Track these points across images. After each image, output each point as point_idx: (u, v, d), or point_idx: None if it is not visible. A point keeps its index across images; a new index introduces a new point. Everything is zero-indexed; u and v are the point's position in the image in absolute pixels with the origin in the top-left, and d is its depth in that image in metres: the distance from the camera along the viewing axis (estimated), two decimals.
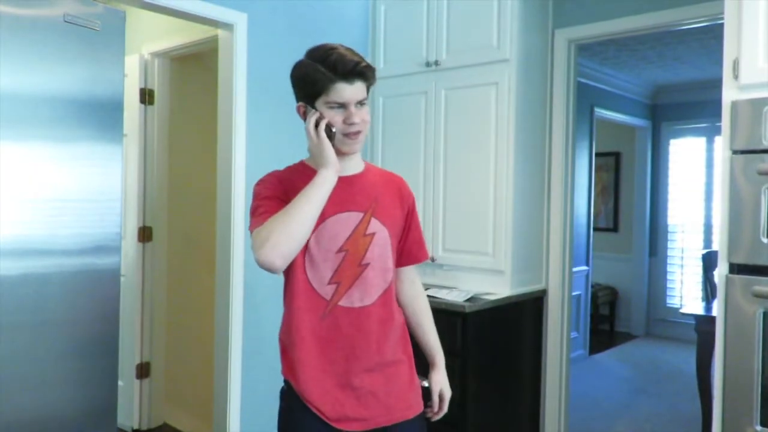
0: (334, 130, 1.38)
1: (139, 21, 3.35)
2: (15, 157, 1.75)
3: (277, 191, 1.42)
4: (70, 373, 1.88)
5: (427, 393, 1.59)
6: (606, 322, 6.32)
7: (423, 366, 1.61)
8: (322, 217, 1.37)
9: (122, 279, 2.70)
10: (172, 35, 3.24)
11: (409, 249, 1.58)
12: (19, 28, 1.73)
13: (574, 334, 5.08)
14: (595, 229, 5.73)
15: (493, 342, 2.81)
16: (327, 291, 1.42)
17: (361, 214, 1.45)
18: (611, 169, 6.40)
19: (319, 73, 1.36)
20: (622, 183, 6.36)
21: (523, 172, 2.86)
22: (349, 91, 1.37)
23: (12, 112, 1.73)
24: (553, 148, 3.05)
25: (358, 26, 3.26)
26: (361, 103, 1.41)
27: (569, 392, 3.12)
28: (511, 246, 2.79)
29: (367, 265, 1.44)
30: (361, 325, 1.44)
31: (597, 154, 5.63)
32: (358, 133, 1.41)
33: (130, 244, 3.35)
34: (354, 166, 1.50)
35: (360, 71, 1.37)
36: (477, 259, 2.87)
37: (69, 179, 1.88)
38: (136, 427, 3.40)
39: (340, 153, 1.41)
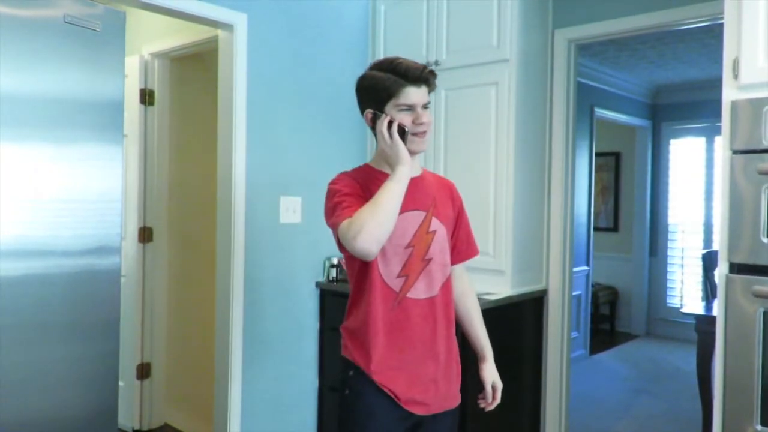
0: (407, 129, 1.49)
1: (139, 21, 3.35)
2: (15, 158, 1.75)
3: (356, 188, 1.53)
4: (70, 374, 1.88)
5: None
6: (606, 321, 6.32)
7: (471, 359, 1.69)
8: None
9: (123, 279, 2.70)
10: (172, 36, 3.24)
11: (459, 247, 1.73)
12: (19, 29, 1.73)
13: (574, 334, 5.08)
14: (595, 229, 5.73)
15: (494, 342, 2.77)
16: (396, 283, 1.54)
17: (424, 213, 1.59)
18: (611, 169, 6.41)
19: (390, 80, 1.50)
20: (623, 183, 6.36)
21: (523, 172, 2.86)
22: (418, 94, 1.51)
23: (12, 113, 1.73)
24: (553, 148, 3.05)
25: (358, 26, 3.26)
26: (425, 106, 1.54)
27: (569, 392, 3.12)
28: (511, 246, 2.79)
29: (430, 260, 1.58)
30: (427, 315, 1.58)
31: (597, 154, 5.63)
32: (425, 132, 1.55)
33: (130, 245, 3.35)
34: (415, 169, 1.60)
35: (425, 77, 1.52)
36: (477, 259, 2.83)
37: (69, 180, 1.88)
38: (136, 427, 3.40)
39: (409, 152, 1.50)
